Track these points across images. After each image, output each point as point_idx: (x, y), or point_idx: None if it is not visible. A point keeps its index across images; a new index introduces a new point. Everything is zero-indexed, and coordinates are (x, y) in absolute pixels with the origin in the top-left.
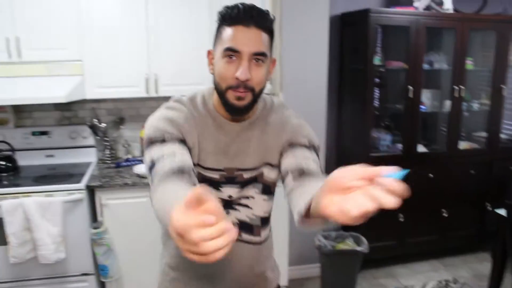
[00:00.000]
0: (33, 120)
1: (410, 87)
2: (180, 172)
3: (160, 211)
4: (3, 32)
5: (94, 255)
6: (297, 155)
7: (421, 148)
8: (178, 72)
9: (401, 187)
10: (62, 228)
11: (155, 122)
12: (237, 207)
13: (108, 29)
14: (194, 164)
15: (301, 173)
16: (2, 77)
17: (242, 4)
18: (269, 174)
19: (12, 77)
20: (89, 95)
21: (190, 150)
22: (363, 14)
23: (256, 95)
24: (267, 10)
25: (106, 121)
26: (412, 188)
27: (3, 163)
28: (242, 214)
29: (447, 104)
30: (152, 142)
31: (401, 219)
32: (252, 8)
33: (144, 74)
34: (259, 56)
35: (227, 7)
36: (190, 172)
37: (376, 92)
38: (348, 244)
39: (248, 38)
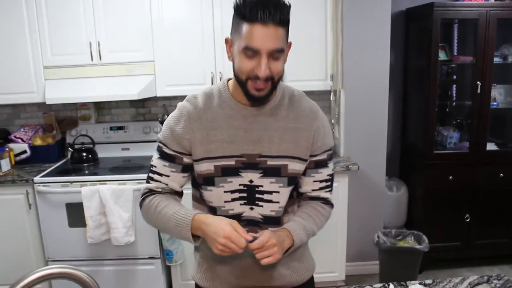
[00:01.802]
0: (111, 116)
1: (478, 83)
2: (170, 193)
3: (166, 217)
4: (87, 37)
5: (160, 240)
6: (316, 181)
7: (491, 146)
8: None
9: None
10: (132, 213)
11: (163, 126)
12: (260, 203)
13: (177, 31)
14: (200, 159)
15: (312, 199)
16: (85, 77)
17: (260, 2)
18: (294, 167)
19: (93, 77)
20: (160, 93)
21: (190, 153)
22: (428, 8)
23: (275, 83)
24: (282, 1)
25: None
26: (480, 187)
27: (85, 154)
28: (267, 209)
29: None
30: (158, 146)
31: (467, 220)
32: (271, 6)
33: (210, 72)
34: (276, 53)
35: (245, 2)
36: (176, 194)
37: (446, 89)
38: (409, 242)
39: (266, 36)
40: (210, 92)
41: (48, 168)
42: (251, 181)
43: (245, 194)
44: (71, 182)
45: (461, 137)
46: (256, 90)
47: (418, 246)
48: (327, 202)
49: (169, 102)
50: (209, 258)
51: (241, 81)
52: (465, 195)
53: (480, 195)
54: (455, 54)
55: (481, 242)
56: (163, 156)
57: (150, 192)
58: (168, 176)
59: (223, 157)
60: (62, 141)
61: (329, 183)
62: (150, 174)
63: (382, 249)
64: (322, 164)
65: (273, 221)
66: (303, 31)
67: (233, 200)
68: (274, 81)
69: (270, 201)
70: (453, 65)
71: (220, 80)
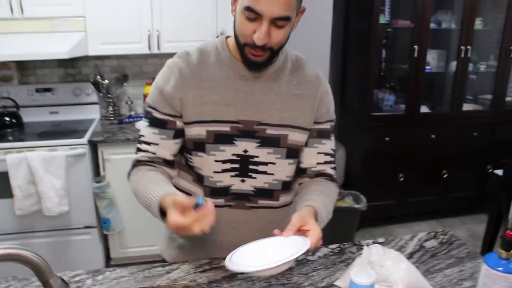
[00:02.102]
0: (37, 77)
1: (416, 47)
2: (159, 164)
3: (141, 196)
4: None
5: (96, 209)
6: (321, 153)
7: (424, 109)
8: (181, 29)
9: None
10: (65, 182)
11: (151, 88)
12: (253, 174)
13: None
14: (191, 122)
15: (318, 175)
16: (4, 33)
17: None
18: (296, 137)
19: (14, 33)
20: (92, 52)
21: (181, 115)
22: None
23: (275, 53)
24: None
25: (109, 78)
26: (413, 148)
27: (8, 119)
28: (260, 181)
29: (454, 65)
30: (146, 112)
31: (401, 179)
32: None
33: (147, 30)
34: (281, 21)
35: None
36: (166, 164)
37: (383, 52)
38: (347, 202)
39: (272, 2)
40: (205, 48)
41: None
42: (245, 151)
43: (237, 165)
44: None
45: (397, 100)
46: (253, 55)
47: (357, 206)
48: (333, 179)
49: (101, 62)
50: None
51: (239, 43)
52: (399, 156)
53: (414, 156)
54: (394, 17)
55: (413, 199)
56: (153, 122)
57: (138, 163)
58: (157, 144)
59: (217, 121)
60: None
61: (333, 159)
62: (138, 145)
63: None
64: (326, 134)
65: (266, 194)
66: None
67: (224, 171)
68: (273, 50)
69: (264, 172)
70: (392, 29)
71: (158, 39)
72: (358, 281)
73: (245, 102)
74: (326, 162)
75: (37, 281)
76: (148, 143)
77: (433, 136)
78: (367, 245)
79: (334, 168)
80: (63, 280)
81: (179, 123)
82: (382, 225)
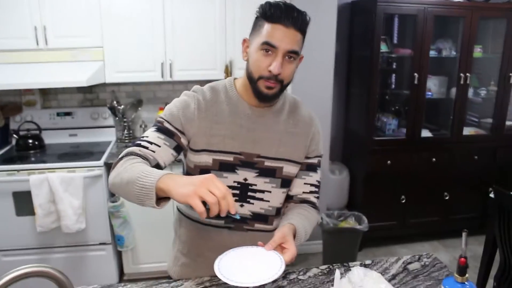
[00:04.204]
0: (58, 102)
1: (416, 74)
2: (156, 167)
3: (139, 173)
4: (32, 21)
5: (111, 226)
6: (307, 184)
7: (425, 133)
8: (192, 58)
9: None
10: (83, 201)
11: (167, 108)
12: (251, 200)
13: (127, 18)
14: (200, 150)
15: (302, 201)
16: (30, 62)
17: (284, 3)
18: (290, 170)
19: (39, 62)
20: (109, 79)
21: (189, 139)
22: (371, 3)
23: (284, 87)
24: (305, 12)
25: (125, 103)
26: (415, 171)
27: (31, 141)
28: (256, 206)
29: (454, 91)
30: (157, 121)
31: (403, 201)
32: (293, 9)
33: (160, 59)
34: (292, 54)
35: (270, 4)
36: (160, 168)
37: (386, 78)
38: (350, 223)
39: (285, 37)
40: (216, 87)
41: None
42: (245, 179)
43: (237, 191)
44: (18, 170)
45: (399, 124)
46: (266, 88)
47: (358, 227)
48: (315, 207)
49: (117, 88)
50: (186, 253)
51: (253, 79)
52: (401, 179)
53: (415, 178)
54: (395, 46)
55: (415, 221)
56: (161, 129)
57: (132, 154)
58: (159, 146)
59: (223, 152)
60: (5, 127)
61: (317, 189)
62: (138, 142)
63: (325, 229)
64: (313, 168)
65: (261, 219)
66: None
67: None
68: (283, 84)
69: (261, 199)
70: (393, 56)
71: (170, 67)
72: None
73: (248, 137)
74: (311, 192)
75: None
76: (150, 143)
77: (434, 159)
78: (353, 266)
79: (317, 198)
80: None
81: (183, 140)
82: (385, 245)
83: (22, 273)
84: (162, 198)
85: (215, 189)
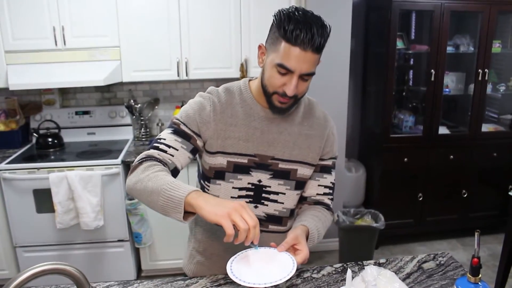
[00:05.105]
0: (76, 101)
1: (432, 71)
2: (173, 171)
3: (166, 185)
4: (50, 22)
5: (129, 224)
6: (321, 186)
7: (443, 130)
8: (207, 57)
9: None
10: (101, 198)
11: (183, 109)
12: (265, 202)
13: (144, 17)
14: (215, 152)
15: (316, 203)
16: (49, 62)
17: (304, 18)
18: (304, 172)
19: (57, 62)
20: (126, 78)
21: (205, 141)
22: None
23: (298, 100)
24: (327, 27)
25: (142, 102)
26: (432, 168)
27: (50, 139)
28: (271, 208)
29: (472, 87)
30: (172, 123)
31: (420, 198)
32: (311, 27)
33: (176, 58)
34: (307, 76)
35: (288, 18)
36: (177, 172)
37: (403, 75)
38: (366, 221)
39: (302, 60)
40: (231, 89)
41: (13, 154)
42: (259, 180)
43: (251, 193)
44: (38, 168)
45: (416, 121)
46: (280, 103)
47: (374, 224)
48: (329, 208)
49: (134, 87)
50: (201, 251)
51: (267, 92)
52: (418, 176)
53: (432, 176)
54: (412, 42)
55: (432, 218)
56: (178, 132)
57: (150, 158)
58: (177, 149)
59: (237, 154)
60: (26, 126)
61: (331, 191)
62: (156, 144)
63: (342, 227)
64: (327, 169)
65: (275, 220)
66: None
67: (240, 197)
68: (297, 98)
69: (275, 201)
70: (410, 53)
71: (186, 66)
72: None
73: (262, 139)
74: (325, 194)
75: None
76: (168, 146)
77: (451, 156)
78: (367, 265)
79: (331, 200)
80: None
81: (199, 143)
82: (402, 243)
83: (39, 271)
84: (187, 213)
85: (248, 217)
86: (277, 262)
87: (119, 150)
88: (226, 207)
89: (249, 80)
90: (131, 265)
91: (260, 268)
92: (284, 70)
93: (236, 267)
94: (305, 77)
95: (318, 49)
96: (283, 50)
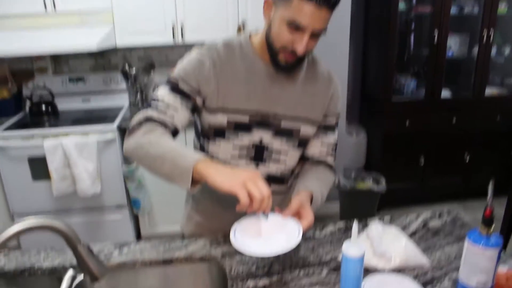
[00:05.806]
0: (69, 68)
1: (436, 30)
2: (173, 132)
3: (171, 152)
4: None
5: (127, 190)
6: (324, 144)
7: (446, 94)
8: (203, 20)
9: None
10: (97, 165)
11: (180, 66)
12: (267, 162)
13: None
14: (215, 109)
15: (319, 163)
16: (39, 28)
17: None
18: (307, 130)
19: (47, 28)
20: (119, 43)
21: (204, 98)
22: None
23: (304, 58)
24: None
25: (137, 67)
26: (434, 132)
27: (44, 107)
28: (273, 167)
29: (476, 49)
30: (169, 80)
31: (422, 162)
32: None
33: (171, 21)
34: (319, 32)
35: None
36: (177, 133)
37: (405, 38)
38: (367, 184)
39: (316, 17)
40: (230, 43)
41: (6, 122)
42: (261, 139)
43: (252, 152)
44: (33, 135)
45: (418, 84)
46: (285, 61)
47: (375, 188)
48: (331, 168)
49: (129, 52)
50: (200, 211)
51: (273, 48)
52: (420, 140)
53: (434, 139)
54: (414, 4)
55: (435, 182)
56: (177, 90)
57: (149, 119)
58: (177, 109)
59: (238, 111)
60: (18, 94)
61: (334, 151)
62: (154, 103)
63: (342, 191)
64: (330, 128)
65: (277, 180)
66: None
67: (240, 156)
68: (304, 56)
69: (277, 160)
70: (412, 15)
71: (182, 29)
72: (348, 254)
73: (264, 96)
74: (327, 153)
75: (70, 252)
76: (167, 105)
77: (454, 120)
78: (371, 222)
79: (334, 159)
80: (89, 248)
81: (199, 101)
82: (403, 207)
83: (26, 228)
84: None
85: (262, 187)
86: (282, 228)
87: (114, 116)
88: (239, 177)
89: (250, 35)
90: (131, 231)
91: (265, 235)
92: (295, 26)
93: (239, 234)
94: (317, 33)
95: (333, 6)
96: (296, 5)
